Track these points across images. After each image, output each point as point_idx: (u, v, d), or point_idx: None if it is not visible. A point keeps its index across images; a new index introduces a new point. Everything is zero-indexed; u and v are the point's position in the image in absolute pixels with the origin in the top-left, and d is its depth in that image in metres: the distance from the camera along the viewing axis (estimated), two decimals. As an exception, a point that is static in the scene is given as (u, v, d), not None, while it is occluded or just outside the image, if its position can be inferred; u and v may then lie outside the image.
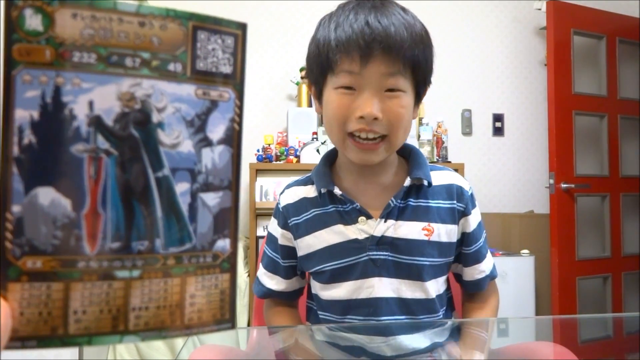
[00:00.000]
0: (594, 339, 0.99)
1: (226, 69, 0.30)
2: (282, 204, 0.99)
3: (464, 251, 0.96)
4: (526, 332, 1.03)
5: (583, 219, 2.95)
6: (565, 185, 2.81)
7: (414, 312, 0.91)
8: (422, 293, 0.91)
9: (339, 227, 0.91)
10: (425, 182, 0.91)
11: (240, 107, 0.30)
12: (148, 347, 2.45)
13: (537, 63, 3.34)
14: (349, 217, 0.91)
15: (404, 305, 0.90)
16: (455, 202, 0.93)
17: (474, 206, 0.96)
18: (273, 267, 1.00)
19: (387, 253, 0.89)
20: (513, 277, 2.69)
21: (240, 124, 0.31)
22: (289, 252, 0.99)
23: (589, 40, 3.08)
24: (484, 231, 0.99)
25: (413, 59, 0.82)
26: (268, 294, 1.01)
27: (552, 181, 2.82)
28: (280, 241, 0.99)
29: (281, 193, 1.02)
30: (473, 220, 0.95)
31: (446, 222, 0.92)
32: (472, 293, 1.01)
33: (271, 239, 1.01)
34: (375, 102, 0.81)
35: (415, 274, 0.90)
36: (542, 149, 3.27)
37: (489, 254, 1.00)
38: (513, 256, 2.77)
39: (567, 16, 2.88)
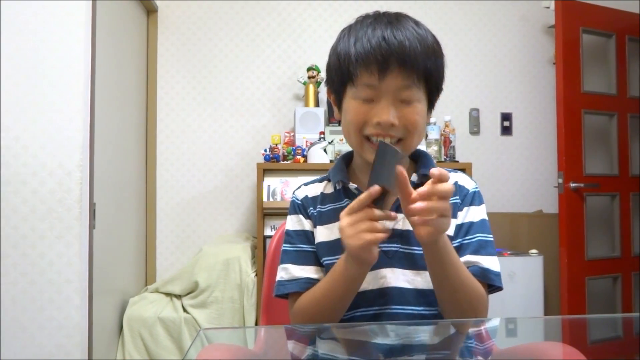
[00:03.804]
0: (604, 340, 0.99)
1: None
2: (300, 197, 1.04)
3: (453, 244, 0.93)
4: (535, 333, 1.02)
5: (592, 218, 2.93)
6: (574, 185, 2.79)
7: (432, 302, 0.92)
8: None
9: None
10: None
11: None
12: (157, 346, 2.47)
13: (545, 62, 3.32)
14: None
15: (420, 295, 0.92)
16: (456, 198, 0.97)
17: (472, 203, 0.97)
18: (306, 259, 0.98)
19: (398, 245, 0.93)
20: (521, 277, 2.67)
21: None
22: None
23: (598, 39, 3.06)
24: (487, 234, 0.95)
25: (426, 71, 0.90)
26: (309, 282, 0.95)
27: (561, 180, 2.80)
28: (311, 229, 1.00)
29: (296, 189, 1.06)
30: (468, 214, 0.95)
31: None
32: None
33: (294, 235, 1.00)
34: (391, 110, 0.88)
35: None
36: (550, 148, 3.24)
37: (489, 258, 0.93)
38: (521, 256, 2.76)
39: (576, 14, 2.86)
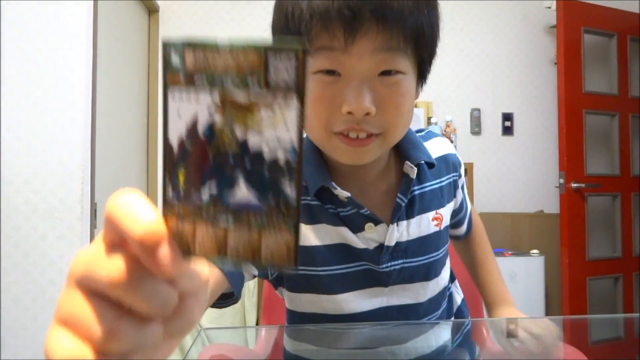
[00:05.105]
0: (605, 340, 0.98)
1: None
2: None
3: (453, 220, 0.90)
4: (536, 333, 1.02)
5: (593, 218, 2.93)
6: (575, 185, 2.79)
7: (435, 308, 0.83)
8: (438, 287, 0.83)
9: (345, 232, 0.74)
10: (425, 163, 0.77)
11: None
12: (157, 345, 2.47)
13: (547, 62, 3.32)
14: (350, 222, 0.74)
15: (424, 307, 0.81)
16: (452, 174, 0.83)
17: (463, 174, 0.89)
18: None
19: (401, 261, 0.76)
20: (523, 277, 2.67)
21: None
22: None
23: (600, 39, 3.05)
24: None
25: (416, 29, 0.63)
26: None
27: (562, 181, 2.80)
28: None
29: None
30: (462, 187, 0.89)
31: (449, 200, 0.83)
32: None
33: None
34: (366, 92, 0.61)
35: (433, 272, 0.80)
36: (552, 148, 3.24)
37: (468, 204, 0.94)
38: (523, 256, 2.76)
39: (578, 14, 2.86)
